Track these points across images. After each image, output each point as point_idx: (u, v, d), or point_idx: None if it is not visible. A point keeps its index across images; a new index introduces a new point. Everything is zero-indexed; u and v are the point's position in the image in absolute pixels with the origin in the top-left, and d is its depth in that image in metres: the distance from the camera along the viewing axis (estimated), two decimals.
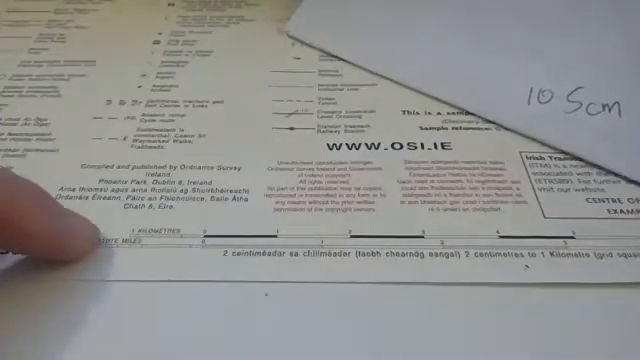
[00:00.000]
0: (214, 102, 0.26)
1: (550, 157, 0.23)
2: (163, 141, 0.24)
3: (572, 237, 0.20)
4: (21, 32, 0.30)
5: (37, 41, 0.30)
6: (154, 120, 0.25)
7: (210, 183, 0.22)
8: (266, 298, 0.18)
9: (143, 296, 0.18)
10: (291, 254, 0.19)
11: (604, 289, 0.18)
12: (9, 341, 0.17)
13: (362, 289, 0.18)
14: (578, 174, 0.22)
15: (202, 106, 0.25)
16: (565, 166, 0.22)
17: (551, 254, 0.19)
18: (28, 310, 0.18)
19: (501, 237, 0.20)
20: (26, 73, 0.28)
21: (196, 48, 0.29)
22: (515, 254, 0.19)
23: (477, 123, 0.24)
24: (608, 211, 0.21)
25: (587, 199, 0.21)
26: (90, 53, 0.29)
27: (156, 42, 0.30)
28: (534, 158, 0.23)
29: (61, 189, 0.21)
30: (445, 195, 0.21)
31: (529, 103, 0.23)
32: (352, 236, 0.20)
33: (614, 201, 0.21)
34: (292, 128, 0.24)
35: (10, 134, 0.24)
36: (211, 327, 0.17)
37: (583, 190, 0.21)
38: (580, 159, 0.22)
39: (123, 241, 0.20)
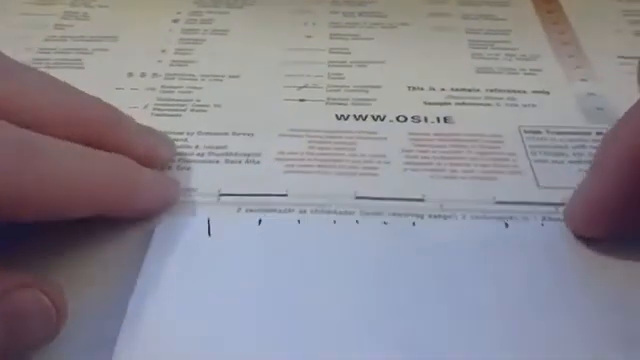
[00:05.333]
0: (230, 77, 0.27)
1: (547, 131, 0.24)
2: (181, 110, 0.25)
3: (563, 204, 0.21)
4: (47, 10, 0.32)
5: (62, 18, 0.31)
6: (172, 91, 0.26)
7: (225, 147, 0.23)
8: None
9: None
10: (300, 212, 0.21)
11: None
12: None
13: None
14: (573, 147, 0.23)
15: (218, 80, 0.27)
16: (561, 140, 0.24)
17: (543, 219, 0.20)
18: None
19: (497, 203, 0.21)
20: (52, 47, 0.29)
21: (213, 27, 0.31)
22: (510, 218, 0.20)
23: (479, 99, 0.26)
24: None
25: (580, 170, 0.22)
26: (112, 30, 0.30)
27: (175, 21, 0.31)
28: (532, 132, 0.24)
29: None
30: (446, 164, 0.23)
31: None
32: (357, 197, 0.21)
33: None
34: (302, 100, 0.26)
35: None
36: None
37: (577, 162, 0.23)
38: (575, 133, 0.24)
39: None
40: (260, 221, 0.20)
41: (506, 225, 0.20)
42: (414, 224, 0.20)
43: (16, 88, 0.18)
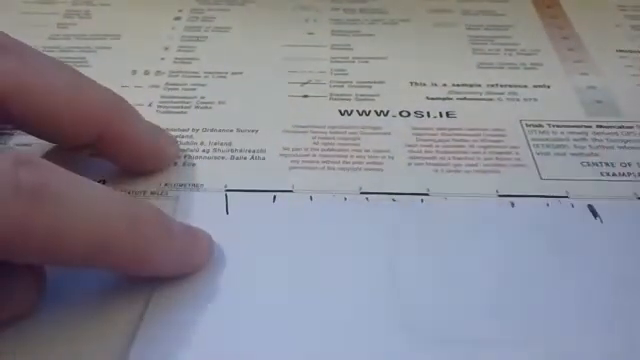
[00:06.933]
0: (233, 73, 0.27)
1: (549, 125, 0.24)
2: (185, 107, 0.25)
3: (566, 197, 0.21)
4: (49, 9, 0.32)
5: (65, 17, 0.32)
6: (177, 89, 0.26)
7: (230, 144, 0.23)
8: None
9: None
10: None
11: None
12: None
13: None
14: (574, 140, 0.24)
15: (222, 77, 0.27)
16: (562, 133, 0.24)
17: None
18: None
19: (500, 196, 0.21)
20: (56, 45, 0.29)
21: (215, 24, 0.31)
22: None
23: (481, 94, 0.26)
24: (601, 174, 0.22)
25: (582, 163, 0.23)
26: (115, 28, 0.30)
27: (177, 18, 0.31)
28: (533, 126, 0.24)
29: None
30: (449, 158, 0.23)
31: None
32: (362, 192, 0.21)
33: (607, 165, 0.22)
34: (306, 96, 0.26)
35: None
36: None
37: (578, 155, 0.23)
38: (576, 126, 0.24)
39: (151, 193, 0.21)
40: (275, 198, 0.21)
41: (512, 204, 0.21)
42: (422, 201, 0.21)
43: (26, 68, 0.19)
